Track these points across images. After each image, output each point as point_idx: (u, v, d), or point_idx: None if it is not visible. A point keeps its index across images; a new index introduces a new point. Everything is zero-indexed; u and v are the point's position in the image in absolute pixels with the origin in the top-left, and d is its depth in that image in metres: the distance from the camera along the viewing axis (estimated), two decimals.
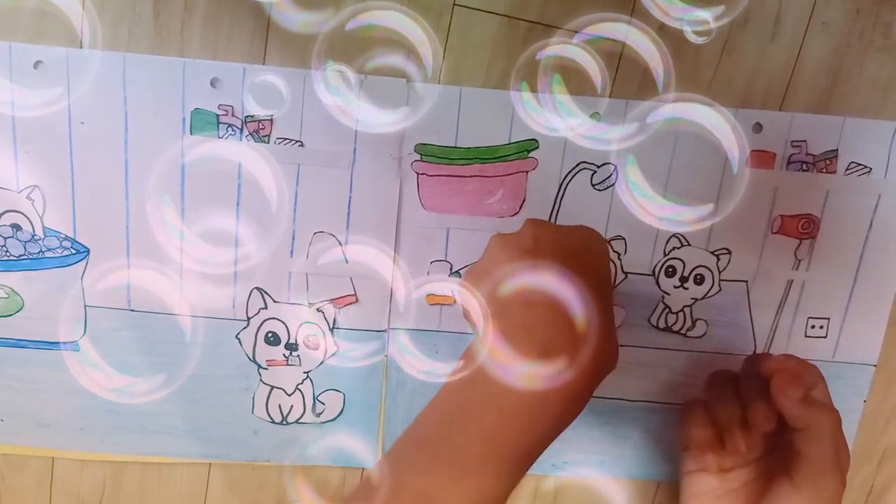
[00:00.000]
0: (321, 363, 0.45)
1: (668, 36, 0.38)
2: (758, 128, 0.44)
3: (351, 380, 0.46)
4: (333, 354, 0.45)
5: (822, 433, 0.39)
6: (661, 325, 0.46)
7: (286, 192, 0.43)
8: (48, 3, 0.39)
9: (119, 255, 0.43)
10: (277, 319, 0.44)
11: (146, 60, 0.41)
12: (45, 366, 0.44)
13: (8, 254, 0.42)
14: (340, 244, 0.44)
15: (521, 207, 0.44)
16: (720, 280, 0.46)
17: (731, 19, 0.38)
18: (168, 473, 0.47)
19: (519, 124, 0.43)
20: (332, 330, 0.45)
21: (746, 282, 0.46)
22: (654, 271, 0.46)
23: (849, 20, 0.43)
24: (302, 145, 0.42)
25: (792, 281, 0.46)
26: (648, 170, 0.43)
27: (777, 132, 0.44)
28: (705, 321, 0.46)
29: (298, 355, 0.45)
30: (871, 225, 0.46)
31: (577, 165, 0.44)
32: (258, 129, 0.42)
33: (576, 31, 0.40)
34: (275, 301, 0.44)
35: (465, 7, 0.41)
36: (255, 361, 0.45)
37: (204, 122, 0.41)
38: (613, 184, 0.44)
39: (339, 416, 0.46)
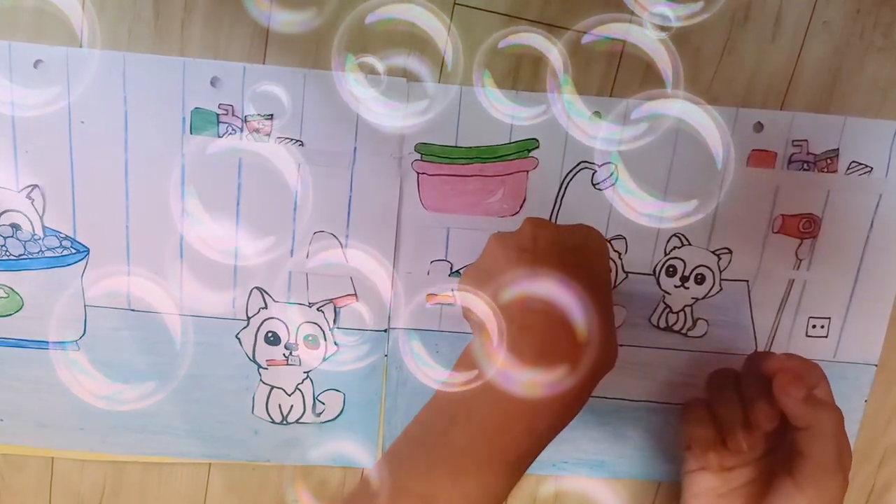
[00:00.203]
0: (321, 363, 0.45)
1: (669, 35, 0.38)
2: (758, 127, 0.44)
3: (351, 380, 0.46)
4: (333, 354, 0.45)
5: (825, 432, 0.39)
6: (662, 324, 0.46)
7: (310, 190, 0.43)
8: (48, 3, 0.39)
9: (119, 255, 0.43)
10: (277, 319, 0.44)
11: (146, 60, 0.41)
12: (45, 366, 0.44)
13: (8, 253, 0.42)
14: (340, 244, 0.44)
15: (521, 207, 0.44)
16: (721, 280, 0.46)
17: (706, 17, 0.38)
18: (168, 473, 0.47)
19: (519, 123, 0.43)
20: (332, 329, 0.45)
21: (747, 281, 0.46)
22: (654, 271, 0.45)
23: (849, 20, 0.43)
24: (302, 145, 0.42)
25: (793, 280, 0.46)
26: (632, 166, 0.43)
27: (778, 132, 0.44)
28: (706, 321, 0.46)
29: (298, 355, 0.45)
30: (872, 224, 0.45)
31: (577, 165, 0.44)
32: (258, 129, 0.42)
33: (584, 32, 0.40)
34: (275, 300, 0.44)
35: (466, 6, 0.41)
36: (255, 361, 0.45)
37: (204, 121, 0.41)
38: (614, 183, 0.44)
39: (339, 415, 0.46)
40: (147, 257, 0.43)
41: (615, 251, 0.45)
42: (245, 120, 0.42)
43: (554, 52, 0.39)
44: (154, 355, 0.44)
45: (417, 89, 0.42)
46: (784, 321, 0.47)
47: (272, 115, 0.42)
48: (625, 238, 0.45)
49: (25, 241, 0.42)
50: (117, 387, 0.43)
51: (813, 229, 0.45)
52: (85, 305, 0.43)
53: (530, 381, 0.32)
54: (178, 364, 0.44)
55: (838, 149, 0.44)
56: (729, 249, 0.45)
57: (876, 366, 0.47)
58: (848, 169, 0.45)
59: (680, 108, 0.39)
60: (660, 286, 0.46)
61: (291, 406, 0.46)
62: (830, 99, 0.44)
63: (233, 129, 0.42)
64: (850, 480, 0.40)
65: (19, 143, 0.41)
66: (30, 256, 0.43)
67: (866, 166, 0.45)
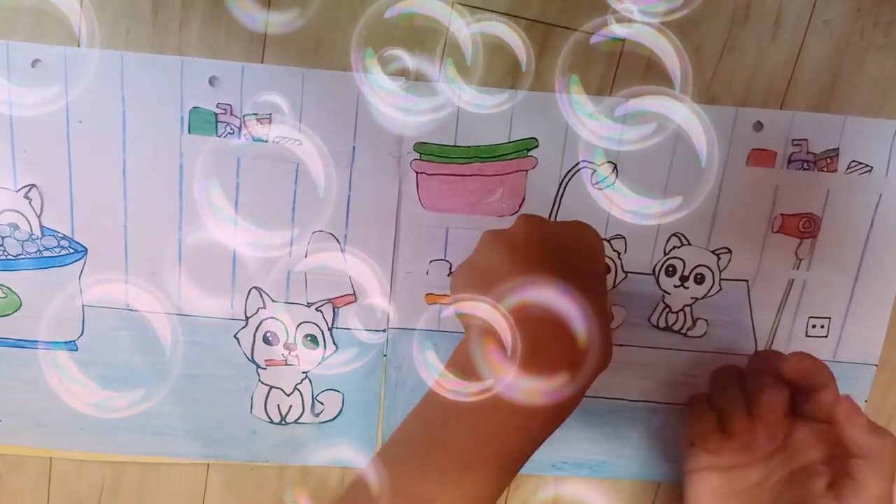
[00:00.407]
0: (320, 363, 0.45)
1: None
2: (758, 126, 0.44)
3: (350, 380, 0.46)
4: (332, 354, 0.45)
5: (885, 465, 0.39)
6: (662, 324, 0.46)
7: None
8: (46, 2, 0.39)
9: (117, 255, 0.43)
10: (276, 319, 0.44)
11: (144, 59, 0.41)
12: None
13: (6, 253, 0.42)
14: (339, 243, 0.44)
15: (520, 206, 0.44)
16: (721, 279, 0.46)
17: (687, 13, 0.38)
18: (167, 474, 0.47)
19: (519, 123, 0.43)
20: (330, 330, 0.45)
21: (747, 281, 0.46)
22: (654, 270, 0.45)
23: (849, 19, 0.43)
24: (300, 144, 0.42)
25: (793, 280, 0.46)
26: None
27: (778, 131, 0.44)
28: (706, 320, 0.46)
29: (297, 355, 0.45)
30: (872, 224, 0.45)
31: (576, 164, 0.43)
32: (257, 128, 0.42)
33: (591, 33, 0.40)
34: (273, 300, 0.44)
35: (466, 6, 0.41)
36: (253, 361, 0.45)
37: (202, 120, 0.41)
38: (613, 183, 0.44)
39: (337, 416, 0.46)
40: (145, 257, 0.43)
41: (615, 251, 0.45)
42: (243, 119, 0.42)
43: (517, 40, 0.39)
44: (152, 355, 0.44)
45: (428, 88, 0.42)
46: (784, 321, 0.46)
47: (270, 114, 0.42)
48: (624, 238, 0.45)
49: (23, 241, 0.42)
50: (107, 394, 0.44)
51: (813, 229, 0.45)
52: (83, 305, 0.43)
53: (529, 389, 0.32)
54: (176, 364, 0.44)
55: (838, 148, 0.44)
56: (728, 249, 0.45)
57: (876, 366, 0.47)
58: (848, 168, 0.45)
59: (664, 106, 0.39)
60: (659, 286, 0.46)
61: (290, 406, 0.46)
62: (830, 98, 0.44)
63: (231, 129, 0.42)
64: None
65: (17, 142, 0.41)
66: (28, 256, 0.42)
67: (866, 166, 0.45)
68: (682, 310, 0.46)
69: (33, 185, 0.42)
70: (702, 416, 0.43)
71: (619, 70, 0.43)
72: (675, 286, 0.46)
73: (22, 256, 0.42)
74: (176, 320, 0.44)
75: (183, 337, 0.44)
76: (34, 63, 0.40)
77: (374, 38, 0.40)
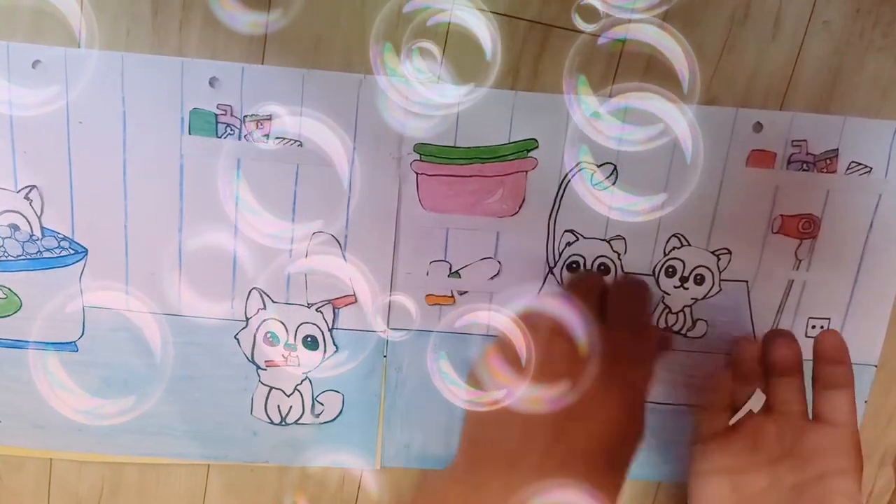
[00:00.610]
0: (320, 364, 0.45)
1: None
2: (758, 127, 0.44)
3: (350, 381, 0.46)
4: (332, 355, 0.45)
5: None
6: (662, 325, 0.46)
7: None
8: (46, 3, 0.39)
9: (118, 256, 0.43)
10: (276, 320, 0.44)
11: (144, 60, 0.41)
12: None
13: (6, 254, 0.42)
14: (339, 244, 0.44)
15: (520, 207, 0.44)
16: (720, 280, 0.46)
17: (665, 10, 0.38)
18: (166, 474, 0.47)
19: (519, 124, 0.43)
20: (330, 330, 0.45)
21: (747, 282, 0.46)
22: (654, 271, 0.45)
23: (849, 19, 0.43)
24: (301, 145, 0.42)
25: (792, 281, 0.46)
26: (602, 159, 0.43)
27: (777, 132, 0.44)
28: (705, 321, 0.46)
29: (297, 356, 0.45)
30: (871, 225, 0.45)
31: (576, 165, 0.43)
32: (257, 129, 0.42)
33: (598, 35, 0.40)
34: (273, 301, 0.44)
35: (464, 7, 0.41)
36: (253, 362, 0.45)
37: (203, 121, 0.41)
38: (613, 183, 0.44)
39: (337, 416, 0.46)
40: (145, 258, 0.43)
41: (614, 251, 0.45)
42: (244, 120, 0.42)
43: (482, 28, 0.39)
44: (151, 356, 0.44)
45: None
46: (783, 322, 0.46)
47: (270, 115, 0.42)
48: (624, 238, 0.45)
49: (24, 242, 0.42)
50: (97, 401, 0.44)
51: (812, 230, 0.45)
52: (83, 306, 0.43)
53: (532, 397, 0.33)
54: (174, 366, 0.44)
55: (838, 149, 0.44)
56: (728, 250, 0.45)
57: (876, 366, 0.47)
58: (847, 169, 0.45)
59: (651, 104, 0.39)
60: (659, 287, 0.46)
61: (290, 407, 0.46)
62: (830, 99, 0.44)
63: (231, 130, 0.42)
64: None
65: (17, 143, 0.41)
66: (28, 257, 0.42)
67: (866, 166, 0.45)
68: (682, 310, 0.46)
69: (33, 186, 0.42)
70: (713, 415, 0.43)
71: (619, 70, 0.43)
72: (675, 287, 0.46)
73: (22, 257, 0.42)
74: (176, 321, 0.44)
75: (182, 338, 0.44)
76: (34, 64, 0.40)
77: (393, 34, 0.40)
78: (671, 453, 0.48)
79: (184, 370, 0.45)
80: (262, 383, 0.45)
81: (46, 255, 0.43)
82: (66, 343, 0.44)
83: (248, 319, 0.44)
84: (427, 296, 0.45)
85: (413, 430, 0.47)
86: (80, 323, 0.44)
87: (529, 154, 0.43)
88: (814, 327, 0.47)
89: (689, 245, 0.45)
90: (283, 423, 0.46)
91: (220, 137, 0.42)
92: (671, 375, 0.47)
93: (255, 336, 0.44)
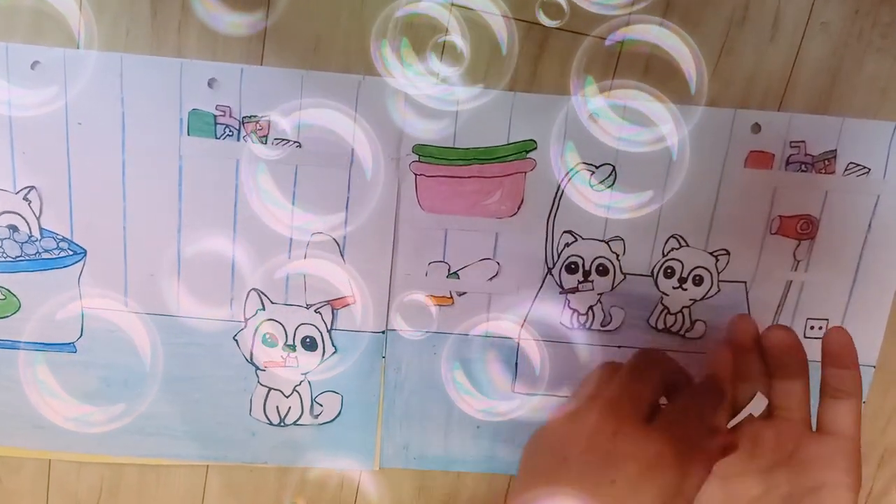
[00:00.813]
0: (319, 365, 0.45)
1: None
2: (756, 128, 0.44)
3: (349, 381, 0.46)
4: (331, 356, 0.45)
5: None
6: (660, 326, 0.46)
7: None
8: (45, 4, 0.39)
9: (116, 256, 0.43)
10: (275, 321, 0.44)
11: (143, 61, 0.41)
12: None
13: (5, 255, 0.42)
14: (338, 245, 0.44)
15: (519, 208, 0.44)
16: (719, 281, 0.46)
17: (644, 6, 0.38)
18: (166, 475, 0.47)
19: (518, 125, 0.43)
20: (329, 331, 0.45)
21: (745, 283, 0.46)
22: (652, 272, 0.45)
23: (848, 20, 0.43)
24: (299, 146, 0.42)
25: (791, 282, 0.46)
26: (589, 156, 0.43)
27: (776, 132, 0.44)
28: (704, 322, 0.46)
29: (296, 357, 0.45)
30: (870, 225, 0.45)
31: (575, 165, 0.43)
32: (256, 130, 0.42)
33: (604, 37, 0.40)
34: (272, 302, 0.44)
35: (465, 7, 0.41)
36: (252, 363, 0.45)
37: (201, 122, 0.41)
38: (613, 184, 0.44)
39: (336, 417, 0.46)
40: (144, 258, 0.43)
41: (613, 252, 0.45)
42: (242, 121, 0.42)
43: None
44: (151, 357, 0.44)
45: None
46: (782, 322, 0.46)
47: (269, 116, 0.42)
48: (623, 239, 0.45)
49: (22, 243, 0.42)
50: (86, 409, 0.44)
51: (811, 230, 0.45)
52: (82, 307, 0.43)
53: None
54: (175, 366, 0.44)
55: (836, 150, 0.44)
56: (727, 251, 0.45)
57: (874, 367, 0.47)
58: (846, 170, 0.45)
59: (639, 103, 0.40)
60: (658, 287, 0.46)
61: (289, 408, 0.46)
62: (829, 100, 0.44)
63: (230, 131, 0.42)
64: None
65: (16, 144, 0.41)
66: (27, 258, 0.42)
67: (864, 167, 0.45)
68: (681, 311, 0.46)
69: (32, 187, 0.42)
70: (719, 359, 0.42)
71: (619, 69, 0.43)
72: (674, 288, 0.46)
73: (21, 258, 0.42)
74: (175, 322, 0.44)
75: (181, 339, 0.44)
76: (33, 65, 0.40)
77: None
78: None
79: (183, 371, 0.45)
80: (261, 384, 0.45)
81: (45, 256, 0.43)
82: (65, 344, 0.44)
83: (246, 320, 0.44)
84: (426, 296, 0.45)
85: (412, 431, 0.47)
86: (78, 324, 0.44)
87: (528, 155, 0.43)
88: (812, 328, 0.47)
89: (688, 246, 0.45)
90: (282, 423, 0.46)
91: (219, 138, 0.42)
92: None
93: (253, 337, 0.44)
